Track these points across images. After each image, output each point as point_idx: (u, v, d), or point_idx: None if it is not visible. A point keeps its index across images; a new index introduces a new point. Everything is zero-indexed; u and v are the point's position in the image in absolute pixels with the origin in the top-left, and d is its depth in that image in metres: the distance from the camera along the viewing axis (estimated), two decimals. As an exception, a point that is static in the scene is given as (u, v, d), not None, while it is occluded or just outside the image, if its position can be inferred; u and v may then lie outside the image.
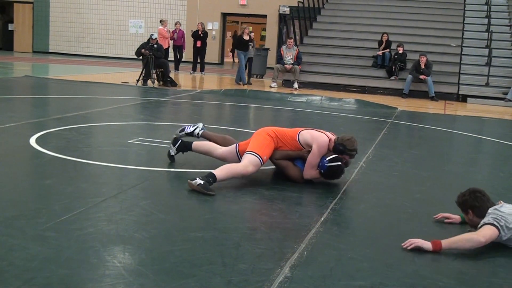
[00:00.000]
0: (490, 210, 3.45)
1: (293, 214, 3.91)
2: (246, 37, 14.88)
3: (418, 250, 3.27)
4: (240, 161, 4.61)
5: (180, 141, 5.06)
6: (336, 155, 4.60)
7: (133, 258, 2.95)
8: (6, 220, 3.35)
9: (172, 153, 5.08)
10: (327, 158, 4.57)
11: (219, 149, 4.94)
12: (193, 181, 4.21)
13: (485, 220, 3.39)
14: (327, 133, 4.76)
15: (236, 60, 27.63)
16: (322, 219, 3.80)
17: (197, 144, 5.04)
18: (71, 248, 2.98)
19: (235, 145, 4.88)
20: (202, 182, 4.18)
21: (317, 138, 4.64)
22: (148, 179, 4.60)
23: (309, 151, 4.63)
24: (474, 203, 3.54)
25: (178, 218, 3.65)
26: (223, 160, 4.86)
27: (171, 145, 5.08)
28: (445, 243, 3.27)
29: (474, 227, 3.58)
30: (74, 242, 3.07)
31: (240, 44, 14.97)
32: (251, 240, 3.31)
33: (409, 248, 3.30)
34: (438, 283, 2.88)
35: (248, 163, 4.51)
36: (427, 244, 3.28)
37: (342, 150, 4.59)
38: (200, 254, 3.02)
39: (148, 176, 4.69)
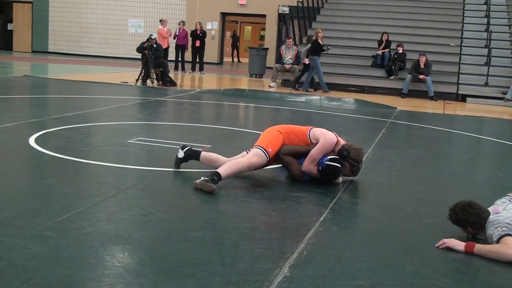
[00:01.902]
0: (492, 218, 3.39)
1: (293, 214, 3.91)
2: (321, 41, 13.61)
3: (450, 250, 3.29)
4: None
5: (188, 147, 4.94)
6: (338, 157, 4.59)
7: (132, 258, 2.95)
8: (6, 220, 3.35)
9: (180, 156, 4.90)
10: (328, 157, 4.57)
11: (227, 158, 4.84)
12: (197, 180, 4.23)
13: (497, 231, 3.28)
14: (340, 138, 4.74)
15: (236, 60, 27.90)
16: (322, 218, 3.80)
17: (204, 154, 4.92)
18: (70, 248, 2.98)
19: (245, 151, 4.85)
20: (206, 179, 4.20)
21: (326, 135, 4.64)
22: (147, 178, 4.59)
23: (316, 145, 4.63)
24: (469, 220, 3.45)
25: (177, 218, 3.65)
26: None
27: (180, 149, 4.96)
28: (477, 249, 3.24)
29: (474, 236, 3.57)
30: (73, 242, 3.06)
31: (317, 49, 13.48)
32: (251, 240, 3.31)
33: (441, 247, 3.32)
34: (437, 283, 2.88)
35: (252, 155, 4.52)
36: (459, 246, 3.28)
37: (345, 155, 4.57)
38: (199, 254, 3.02)
39: (147, 175, 4.69)
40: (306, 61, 13.79)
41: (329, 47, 14.11)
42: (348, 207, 4.22)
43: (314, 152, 4.59)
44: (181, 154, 4.92)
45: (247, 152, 4.76)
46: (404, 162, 6.02)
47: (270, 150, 4.59)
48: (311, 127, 4.81)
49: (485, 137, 8.59)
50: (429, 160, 6.38)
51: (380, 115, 10.01)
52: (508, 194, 3.76)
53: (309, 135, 4.71)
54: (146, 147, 5.84)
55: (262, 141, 4.65)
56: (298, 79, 14.10)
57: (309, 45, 13.91)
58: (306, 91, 13.46)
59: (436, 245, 3.36)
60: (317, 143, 4.63)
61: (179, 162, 4.93)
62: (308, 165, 4.63)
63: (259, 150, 4.56)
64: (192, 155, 4.90)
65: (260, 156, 4.54)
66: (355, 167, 4.69)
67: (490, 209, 3.57)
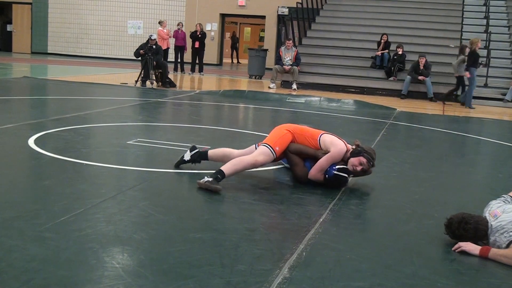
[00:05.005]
0: (494, 224, 3.36)
1: (292, 215, 3.91)
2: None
3: (466, 253, 3.29)
4: None
5: (196, 150, 4.94)
6: (346, 167, 4.59)
7: (132, 259, 2.94)
8: (5, 221, 3.34)
9: (186, 158, 4.91)
10: (337, 167, 4.57)
11: (237, 151, 4.87)
12: (201, 180, 4.24)
13: (504, 238, 3.26)
14: (348, 145, 4.72)
15: (235, 61, 27.91)
16: (321, 220, 3.80)
17: (212, 151, 4.93)
18: (70, 249, 2.98)
19: (254, 145, 4.86)
20: (210, 179, 4.21)
21: (337, 145, 4.60)
22: (147, 180, 4.59)
23: (325, 153, 4.61)
24: (467, 236, 3.40)
25: (177, 219, 3.65)
26: None
27: (188, 150, 4.97)
28: (492, 253, 3.22)
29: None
30: (73, 243, 3.06)
31: (476, 60, 12.30)
32: (250, 241, 3.31)
33: (457, 251, 3.31)
34: (437, 284, 2.88)
35: (258, 153, 4.51)
36: (474, 250, 3.28)
37: (359, 150, 4.55)
38: (199, 255, 3.02)
39: (146, 177, 4.68)
40: (467, 74, 12.44)
41: (482, 61, 13.04)
42: (348, 208, 4.21)
43: (324, 161, 4.57)
44: (187, 156, 4.93)
45: (256, 147, 4.76)
46: (403, 163, 6.02)
47: (277, 148, 4.58)
48: (322, 132, 4.77)
49: (484, 138, 8.59)
50: (429, 161, 6.38)
51: (379, 116, 10.01)
52: (503, 195, 3.76)
53: (319, 140, 4.69)
54: (146, 148, 5.84)
55: (270, 139, 4.65)
56: (451, 93, 13.19)
57: (461, 56, 12.92)
58: (470, 107, 12.38)
59: (452, 248, 3.34)
60: (326, 150, 4.62)
61: (181, 163, 4.95)
62: (316, 173, 4.62)
63: (266, 148, 4.55)
64: (200, 158, 4.91)
65: (267, 154, 4.53)
66: (371, 162, 4.60)
67: (486, 213, 3.55)
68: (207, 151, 4.94)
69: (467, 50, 12.72)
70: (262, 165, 4.62)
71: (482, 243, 3.40)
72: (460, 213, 3.50)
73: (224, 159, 4.79)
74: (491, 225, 3.39)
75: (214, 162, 4.90)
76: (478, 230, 3.40)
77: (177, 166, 4.96)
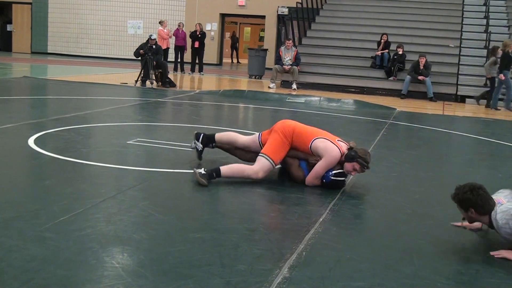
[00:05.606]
0: (503, 207, 3.31)
1: (292, 215, 3.91)
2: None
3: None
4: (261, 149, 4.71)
5: (202, 134, 5.07)
6: (342, 171, 4.58)
7: (131, 259, 2.95)
8: (5, 221, 3.34)
9: (199, 148, 5.05)
10: (333, 172, 4.57)
11: (242, 138, 4.99)
12: (197, 170, 4.33)
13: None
14: (343, 145, 4.68)
15: (235, 61, 27.89)
16: (321, 219, 3.80)
17: (220, 135, 5.04)
18: (69, 249, 2.98)
19: (258, 134, 4.92)
20: (204, 172, 4.29)
21: (331, 151, 4.57)
22: (147, 180, 4.59)
23: (317, 160, 4.60)
24: (477, 201, 3.36)
25: (177, 219, 3.65)
26: (246, 148, 4.92)
27: (195, 140, 5.09)
28: None
29: (471, 222, 3.52)
30: (73, 243, 3.06)
31: (509, 63, 11.86)
32: (250, 241, 3.31)
33: (496, 256, 3.28)
34: (437, 284, 2.88)
35: (260, 168, 4.55)
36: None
37: (353, 155, 4.53)
38: (199, 255, 3.02)
39: (146, 177, 4.68)
40: (502, 77, 12.04)
41: None
42: (348, 208, 4.21)
43: (319, 168, 4.57)
44: (199, 146, 5.07)
45: (259, 138, 4.85)
46: (403, 163, 6.02)
47: (277, 162, 4.66)
48: (315, 137, 4.68)
49: (484, 138, 8.59)
50: (429, 161, 6.38)
51: (379, 116, 10.01)
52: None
53: (310, 147, 4.67)
54: (146, 148, 5.84)
55: (272, 149, 4.62)
56: (486, 94, 12.84)
57: (493, 58, 12.62)
58: (496, 109, 12.19)
59: (492, 253, 3.31)
60: (317, 157, 4.62)
61: (199, 155, 5.11)
62: (313, 180, 4.63)
63: (269, 163, 4.57)
64: (209, 141, 5.06)
65: (268, 170, 4.59)
66: (366, 167, 4.60)
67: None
68: (214, 134, 5.04)
69: (500, 51, 12.50)
70: (261, 179, 4.64)
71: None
72: (478, 183, 3.50)
73: (230, 144, 5.00)
74: (501, 208, 3.34)
75: (214, 162, 4.91)
76: (488, 203, 3.35)
77: (199, 158, 5.11)
